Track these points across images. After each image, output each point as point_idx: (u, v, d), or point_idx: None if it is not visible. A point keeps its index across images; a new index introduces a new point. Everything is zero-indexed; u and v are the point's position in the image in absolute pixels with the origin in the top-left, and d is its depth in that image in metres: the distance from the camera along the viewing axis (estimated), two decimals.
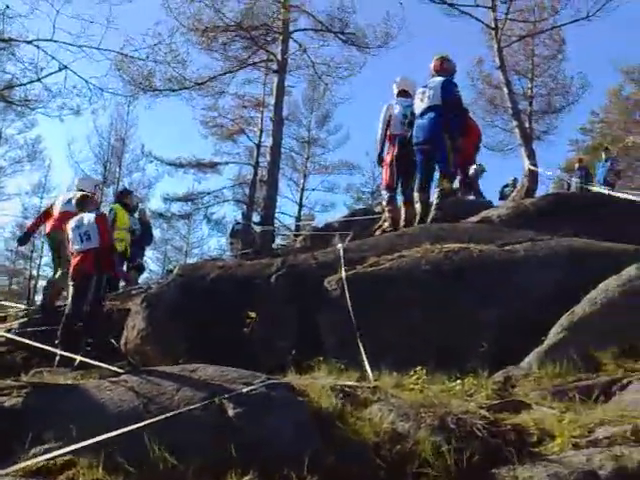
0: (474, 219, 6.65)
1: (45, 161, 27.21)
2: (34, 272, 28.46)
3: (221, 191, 24.57)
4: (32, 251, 27.70)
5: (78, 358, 4.55)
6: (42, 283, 21.60)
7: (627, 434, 2.38)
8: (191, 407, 2.62)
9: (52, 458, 2.41)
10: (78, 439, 2.42)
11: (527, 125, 20.89)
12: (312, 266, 5.12)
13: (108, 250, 6.07)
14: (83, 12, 13.50)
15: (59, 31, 14.49)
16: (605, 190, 10.68)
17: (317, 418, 2.69)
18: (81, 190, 7.60)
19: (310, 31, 17.82)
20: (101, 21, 13.13)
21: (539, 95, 23.88)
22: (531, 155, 13.58)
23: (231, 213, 35.25)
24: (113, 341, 5.52)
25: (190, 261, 25.46)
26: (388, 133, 7.17)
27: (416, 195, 6.95)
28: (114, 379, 3.09)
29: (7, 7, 12.53)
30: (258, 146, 23.31)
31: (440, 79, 6.71)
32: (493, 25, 16.73)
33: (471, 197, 10.24)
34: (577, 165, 16.32)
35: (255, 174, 22.81)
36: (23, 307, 8.99)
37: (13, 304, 10.17)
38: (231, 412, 2.60)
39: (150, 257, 28.62)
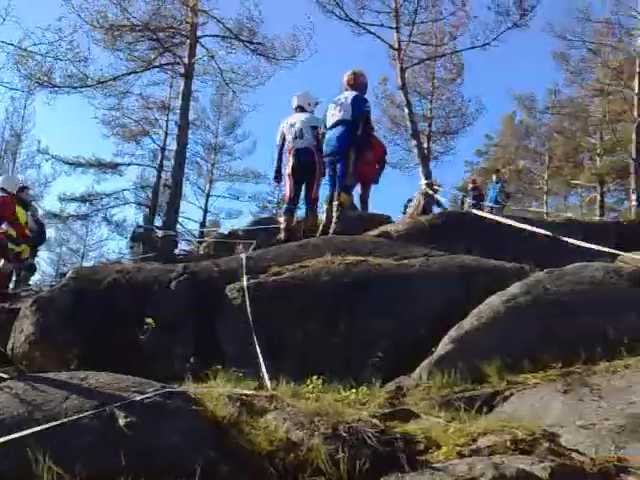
0: (373, 233, 6.86)
1: None
2: None
3: (122, 193, 23.82)
4: None
5: None
6: None
7: (507, 444, 2.52)
8: (80, 415, 2.50)
9: None
10: None
11: (426, 145, 21.93)
12: (214, 273, 5.07)
13: None
14: None
15: None
16: (493, 212, 11.41)
17: (212, 427, 2.65)
18: None
19: (218, 37, 17.74)
20: None
21: (438, 116, 25.08)
22: (428, 175, 14.28)
23: (133, 216, 34.09)
24: None
25: (87, 264, 24.29)
26: (289, 147, 7.30)
27: (325, 206, 7.10)
28: None
29: None
30: (162, 149, 22.81)
31: (352, 94, 6.87)
32: (397, 46, 17.45)
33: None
34: (471, 185, 17.33)
35: (159, 177, 22.29)
36: None
37: None
38: (122, 421, 2.51)
39: (43, 258, 27.09)
